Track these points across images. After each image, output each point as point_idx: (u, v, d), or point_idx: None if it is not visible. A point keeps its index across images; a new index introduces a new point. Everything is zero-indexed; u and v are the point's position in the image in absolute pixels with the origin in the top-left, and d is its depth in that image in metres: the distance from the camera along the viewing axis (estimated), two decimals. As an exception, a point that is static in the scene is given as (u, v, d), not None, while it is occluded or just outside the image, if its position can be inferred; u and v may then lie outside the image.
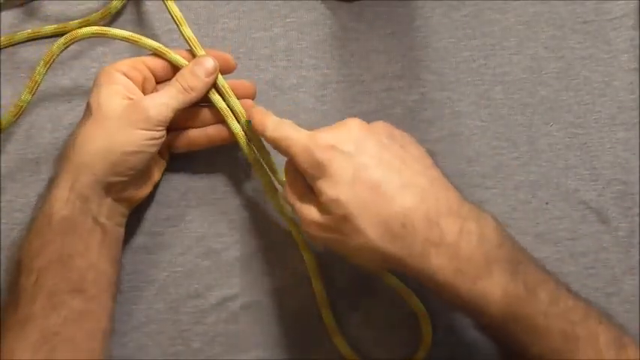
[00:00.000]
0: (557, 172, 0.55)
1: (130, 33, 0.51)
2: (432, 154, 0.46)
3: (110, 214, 0.48)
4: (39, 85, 0.51)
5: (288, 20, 0.56)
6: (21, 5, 0.56)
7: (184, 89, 0.49)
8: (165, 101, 0.49)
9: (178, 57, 0.51)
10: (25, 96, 0.51)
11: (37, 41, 0.55)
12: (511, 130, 0.55)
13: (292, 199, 0.46)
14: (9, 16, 0.56)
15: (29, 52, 0.55)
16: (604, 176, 0.55)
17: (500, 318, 0.41)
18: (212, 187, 0.54)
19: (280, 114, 0.55)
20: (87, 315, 0.46)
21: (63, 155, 0.49)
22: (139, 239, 0.53)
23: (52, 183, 0.48)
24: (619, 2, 0.57)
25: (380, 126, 0.46)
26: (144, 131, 0.47)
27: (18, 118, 0.51)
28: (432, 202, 0.42)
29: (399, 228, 0.42)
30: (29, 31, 0.55)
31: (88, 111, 0.49)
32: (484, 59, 0.56)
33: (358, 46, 0.56)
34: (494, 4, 0.57)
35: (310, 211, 0.44)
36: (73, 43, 0.51)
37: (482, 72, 0.56)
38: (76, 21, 0.55)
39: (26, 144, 0.54)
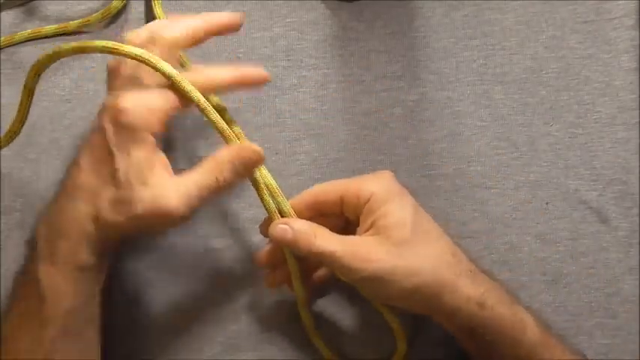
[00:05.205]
0: (557, 172, 0.55)
1: (113, 42, 0.43)
2: None
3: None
4: (27, 113, 0.48)
5: (288, 20, 0.56)
6: (21, 5, 0.56)
7: (218, 182, 0.42)
8: (193, 193, 0.42)
9: (196, 93, 0.42)
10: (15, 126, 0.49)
11: (37, 41, 0.55)
12: (511, 130, 0.55)
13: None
14: (9, 16, 0.56)
15: (29, 52, 0.55)
16: (604, 176, 0.55)
17: (536, 342, 0.45)
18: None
19: (280, 114, 0.55)
20: (72, 354, 0.43)
21: None
22: (138, 239, 0.53)
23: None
24: (619, 2, 0.57)
25: None
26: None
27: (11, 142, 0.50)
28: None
29: (450, 256, 0.46)
30: (29, 31, 0.55)
31: None
32: (484, 59, 0.56)
33: (358, 46, 0.56)
34: (495, 4, 0.57)
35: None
36: (48, 66, 0.46)
37: (482, 72, 0.56)
38: (76, 21, 0.55)
39: (26, 144, 0.54)
